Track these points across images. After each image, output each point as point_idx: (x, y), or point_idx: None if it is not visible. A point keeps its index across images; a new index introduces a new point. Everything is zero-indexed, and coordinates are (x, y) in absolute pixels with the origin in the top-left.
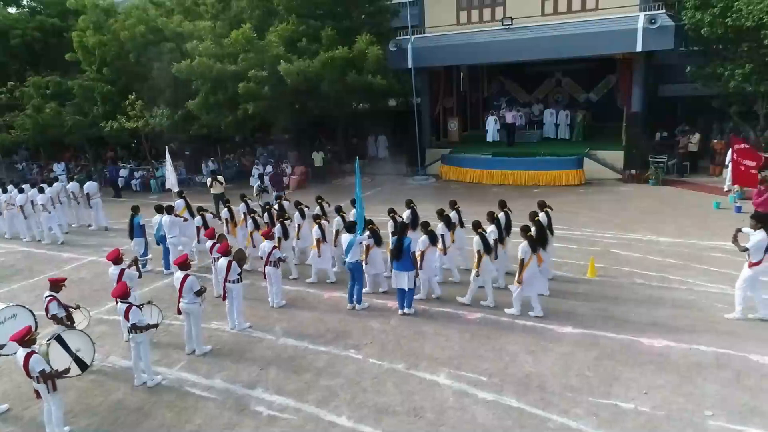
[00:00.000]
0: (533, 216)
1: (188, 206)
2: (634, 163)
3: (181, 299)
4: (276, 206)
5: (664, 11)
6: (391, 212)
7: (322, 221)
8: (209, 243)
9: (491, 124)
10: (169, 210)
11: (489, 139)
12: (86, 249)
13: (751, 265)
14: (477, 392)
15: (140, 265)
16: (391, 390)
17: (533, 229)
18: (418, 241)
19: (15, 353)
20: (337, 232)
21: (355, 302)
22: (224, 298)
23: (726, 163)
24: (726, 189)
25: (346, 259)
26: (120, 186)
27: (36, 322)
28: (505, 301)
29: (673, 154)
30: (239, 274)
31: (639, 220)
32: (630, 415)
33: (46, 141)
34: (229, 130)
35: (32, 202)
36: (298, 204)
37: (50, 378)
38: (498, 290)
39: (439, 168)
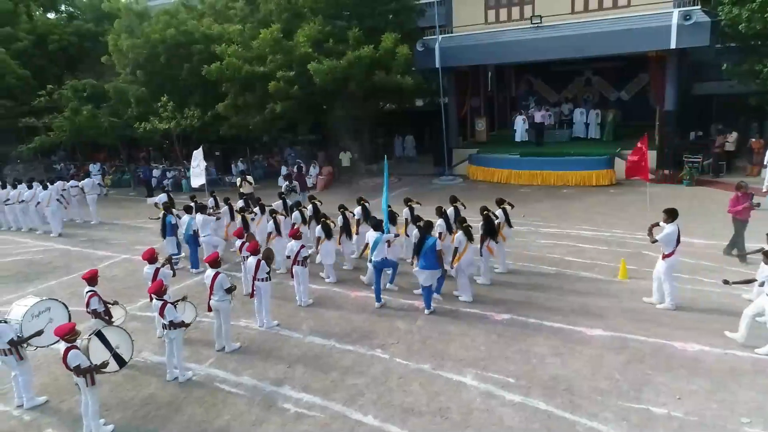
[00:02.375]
0: (482, 210)
1: (216, 205)
2: (667, 163)
3: (211, 296)
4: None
5: (699, 7)
6: (341, 208)
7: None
8: (238, 242)
9: (519, 124)
10: (202, 209)
11: (517, 139)
12: (119, 247)
13: (665, 256)
14: (504, 394)
15: (173, 264)
16: (417, 390)
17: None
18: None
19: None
20: (341, 231)
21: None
22: (252, 296)
23: (765, 163)
24: (765, 190)
25: (372, 258)
26: (153, 186)
27: (69, 315)
28: (484, 295)
29: (708, 154)
30: (267, 273)
31: None
32: (661, 420)
33: (82, 142)
34: (258, 130)
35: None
36: (312, 198)
37: (87, 372)
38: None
39: (466, 168)
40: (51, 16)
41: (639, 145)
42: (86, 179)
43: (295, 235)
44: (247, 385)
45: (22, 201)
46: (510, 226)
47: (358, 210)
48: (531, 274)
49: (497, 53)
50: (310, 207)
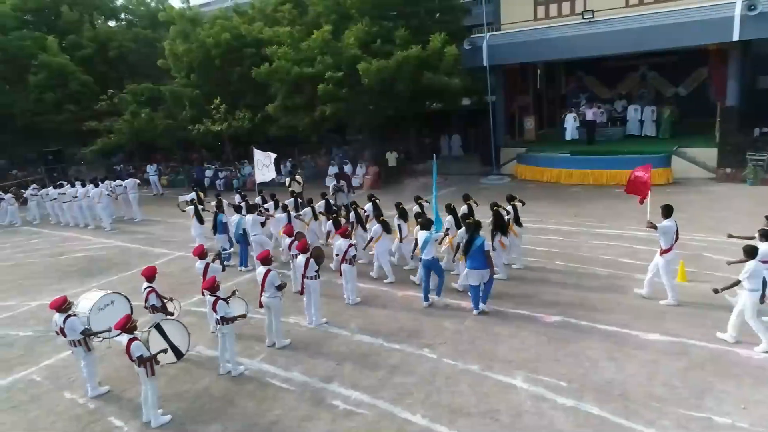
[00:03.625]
0: (492, 206)
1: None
2: (729, 161)
3: (263, 293)
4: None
5: None
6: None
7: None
8: (287, 240)
9: (570, 122)
10: (252, 209)
11: (567, 137)
12: (174, 245)
13: (662, 252)
14: (555, 397)
15: (223, 259)
16: (465, 391)
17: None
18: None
19: (116, 337)
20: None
21: (434, 295)
22: (302, 294)
23: None
24: None
25: (422, 257)
26: (206, 185)
27: (132, 309)
28: (533, 296)
29: None
30: (317, 271)
31: (733, 222)
32: (725, 430)
33: (140, 144)
34: (306, 131)
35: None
36: (372, 197)
37: (148, 362)
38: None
39: (514, 167)
40: (112, 24)
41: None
42: (129, 179)
43: (344, 233)
44: (296, 381)
45: (75, 198)
46: (519, 224)
47: (369, 206)
48: (583, 276)
49: (547, 50)
50: (321, 203)
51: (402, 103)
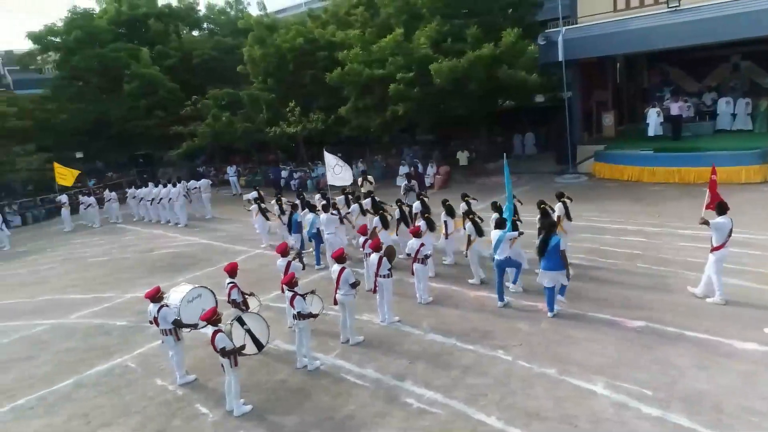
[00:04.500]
0: (539, 204)
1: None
2: None
3: (337, 291)
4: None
5: None
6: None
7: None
8: (361, 239)
9: (653, 117)
10: (326, 208)
11: (650, 133)
12: (253, 242)
13: (713, 249)
14: (639, 406)
15: (302, 257)
16: (541, 394)
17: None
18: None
19: (202, 328)
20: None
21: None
22: (374, 292)
23: None
24: None
25: (495, 256)
26: (281, 185)
27: (217, 302)
28: (611, 299)
29: None
30: (389, 270)
31: None
32: None
33: (219, 146)
34: (377, 131)
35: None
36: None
37: (231, 354)
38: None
39: (592, 166)
40: (195, 33)
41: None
42: (202, 180)
43: (416, 233)
44: (370, 378)
45: (155, 198)
46: (570, 219)
47: (417, 204)
48: (667, 279)
49: (628, 42)
50: (368, 200)
51: (473, 101)
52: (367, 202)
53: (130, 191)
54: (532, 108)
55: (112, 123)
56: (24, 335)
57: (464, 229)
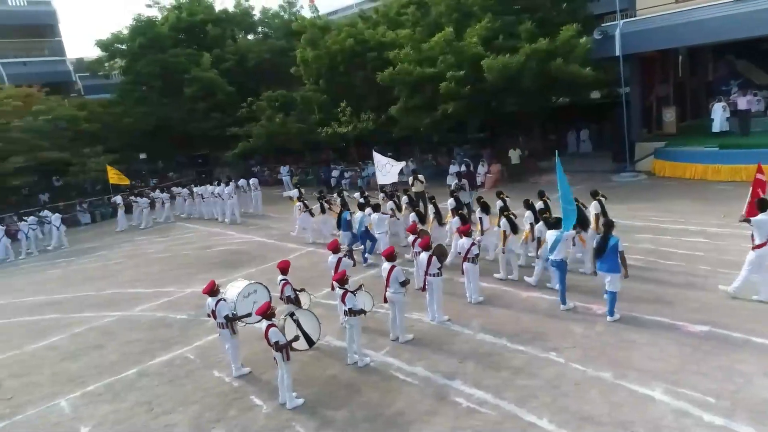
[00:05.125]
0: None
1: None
2: None
3: (387, 288)
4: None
5: None
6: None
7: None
8: (411, 237)
9: (718, 112)
10: (376, 208)
11: (716, 129)
12: (304, 240)
13: (755, 247)
14: (701, 414)
15: (353, 255)
16: (595, 398)
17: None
18: None
19: (257, 323)
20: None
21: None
22: (424, 291)
23: None
24: None
25: (551, 257)
26: (332, 185)
27: (271, 298)
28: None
29: None
30: (439, 269)
31: None
32: None
33: (273, 146)
34: (428, 131)
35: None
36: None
37: (284, 348)
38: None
39: (651, 163)
40: (250, 37)
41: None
42: (252, 179)
43: (466, 231)
44: (420, 376)
45: (215, 195)
46: (606, 217)
47: (450, 201)
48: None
49: (691, 34)
50: (404, 198)
51: (526, 98)
52: (403, 199)
53: (182, 191)
54: (587, 104)
55: (172, 125)
56: (94, 326)
57: (499, 226)
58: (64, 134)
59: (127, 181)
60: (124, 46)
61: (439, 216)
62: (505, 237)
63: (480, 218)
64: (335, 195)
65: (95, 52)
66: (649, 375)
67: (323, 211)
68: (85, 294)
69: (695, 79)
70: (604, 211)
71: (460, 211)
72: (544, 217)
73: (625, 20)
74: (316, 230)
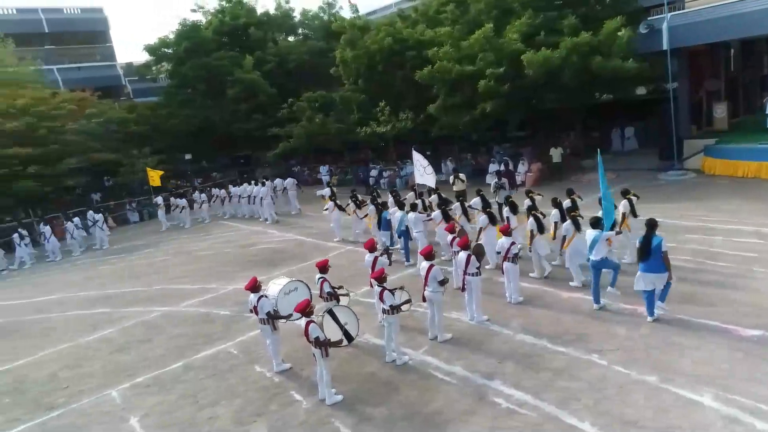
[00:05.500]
0: (601, 200)
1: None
2: None
3: (426, 287)
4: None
5: None
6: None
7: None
8: (449, 237)
9: None
10: (414, 208)
11: None
12: (343, 240)
13: None
14: (754, 421)
15: (391, 254)
16: (640, 402)
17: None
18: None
19: (297, 320)
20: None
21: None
22: (463, 290)
23: None
24: None
25: (590, 257)
26: (370, 184)
27: (311, 295)
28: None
29: None
30: (478, 268)
31: None
32: None
33: (313, 147)
34: (467, 129)
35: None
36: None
37: (323, 345)
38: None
39: (701, 161)
40: (290, 39)
41: None
42: (288, 179)
43: (506, 231)
44: (458, 375)
45: (251, 195)
46: (635, 216)
47: (476, 200)
48: None
49: (745, 26)
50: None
51: (567, 94)
52: (433, 198)
53: (220, 192)
54: (632, 101)
55: (216, 126)
56: (142, 320)
57: (527, 225)
58: (114, 136)
59: (158, 183)
60: (170, 51)
61: (466, 215)
62: (532, 236)
63: (507, 217)
64: (370, 195)
65: (143, 57)
66: (697, 380)
67: (359, 207)
68: (133, 289)
69: (749, 73)
70: (634, 210)
71: (488, 210)
72: (572, 215)
73: (672, 13)
74: (347, 227)
